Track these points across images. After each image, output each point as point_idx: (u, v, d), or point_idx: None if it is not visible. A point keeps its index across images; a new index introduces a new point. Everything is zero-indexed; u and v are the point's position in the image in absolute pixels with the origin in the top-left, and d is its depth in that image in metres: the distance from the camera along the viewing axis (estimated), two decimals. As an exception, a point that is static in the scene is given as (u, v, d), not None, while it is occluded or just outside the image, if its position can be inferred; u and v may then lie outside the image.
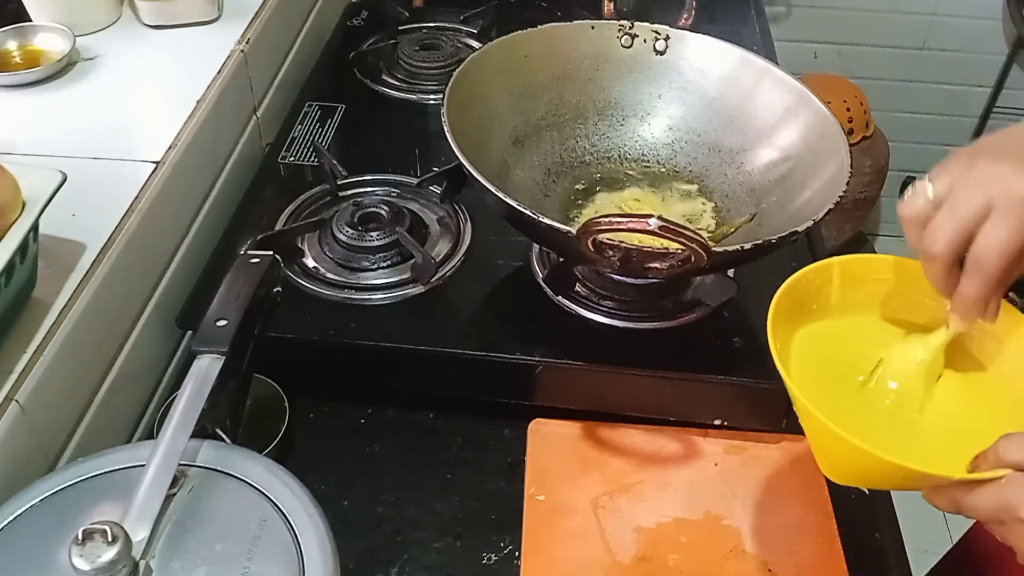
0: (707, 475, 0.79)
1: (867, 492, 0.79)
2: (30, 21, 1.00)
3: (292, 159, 1.03)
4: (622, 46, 0.95)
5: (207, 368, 0.59)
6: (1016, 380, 0.60)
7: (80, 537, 0.49)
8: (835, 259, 0.63)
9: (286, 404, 0.78)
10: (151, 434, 0.81)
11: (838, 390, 0.61)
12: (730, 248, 0.70)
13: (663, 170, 0.95)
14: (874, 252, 2.31)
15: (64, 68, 0.96)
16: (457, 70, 0.86)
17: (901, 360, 0.62)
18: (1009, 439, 0.49)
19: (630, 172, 0.96)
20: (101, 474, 0.57)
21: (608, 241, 0.69)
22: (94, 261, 0.74)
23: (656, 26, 0.94)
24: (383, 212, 0.91)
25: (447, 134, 0.78)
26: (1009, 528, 0.48)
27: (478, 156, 0.79)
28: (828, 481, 0.77)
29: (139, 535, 0.51)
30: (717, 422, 0.82)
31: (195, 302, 0.84)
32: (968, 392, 0.61)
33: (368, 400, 0.85)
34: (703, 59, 0.93)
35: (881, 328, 0.64)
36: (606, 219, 0.67)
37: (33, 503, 0.55)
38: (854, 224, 2.11)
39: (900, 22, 2.08)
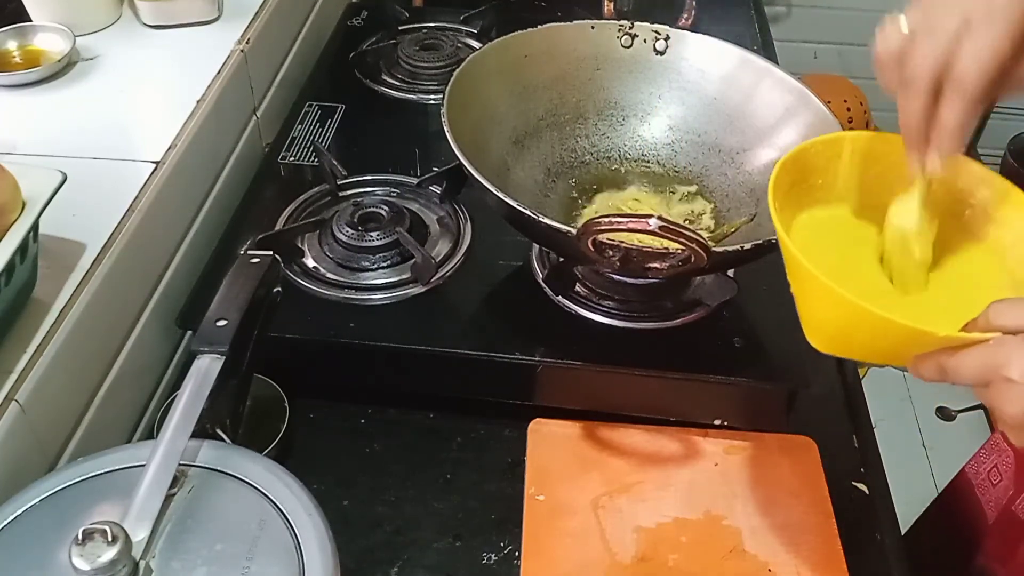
0: (707, 475, 0.79)
1: (867, 492, 0.79)
2: (30, 21, 1.00)
3: (292, 159, 1.03)
4: (622, 46, 0.95)
5: (207, 368, 0.59)
6: (1012, 250, 0.58)
7: (80, 537, 0.49)
8: (847, 133, 0.61)
9: (286, 404, 0.78)
10: (151, 434, 0.81)
11: (837, 272, 0.58)
12: (730, 248, 0.70)
13: (663, 170, 0.95)
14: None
15: (64, 68, 0.96)
16: (457, 70, 0.86)
17: (897, 233, 0.59)
18: (1000, 303, 0.48)
19: (630, 172, 0.96)
20: (101, 474, 0.57)
21: (608, 241, 0.69)
22: (94, 261, 0.74)
23: (656, 26, 0.94)
24: (383, 212, 0.91)
25: (447, 134, 0.78)
26: (994, 389, 0.47)
27: (478, 156, 0.79)
28: (828, 481, 0.78)
29: (139, 535, 0.51)
30: (717, 422, 0.82)
31: (195, 302, 0.84)
32: (968, 270, 0.60)
33: (368, 400, 0.85)
34: (703, 59, 0.93)
35: (884, 209, 0.61)
36: (606, 219, 0.67)
37: (33, 503, 0.55)
38: (854, 224, 2.11)
39: (900, 22, 2.08)
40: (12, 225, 0.63)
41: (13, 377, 0.64)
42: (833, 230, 0.62)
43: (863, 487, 0.79)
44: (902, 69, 0.53)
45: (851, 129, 0.82)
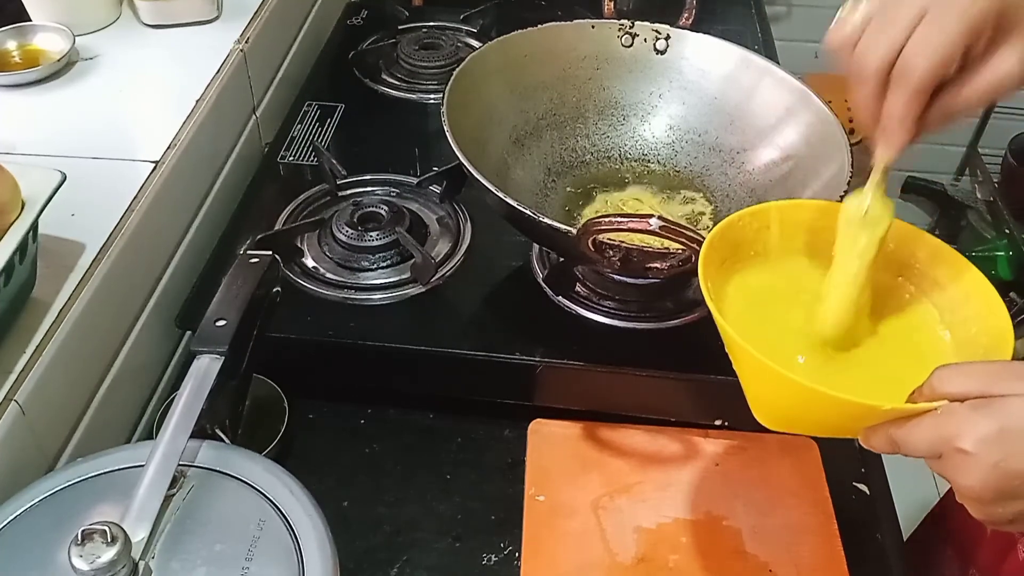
0: (707, 475, 0.79)
1: (868, 492, 0.79)
2: (30, 21, 1.00)
3: (291, 159, 1.03)
4: (622, 45, 0.95)
5: (206, 368, 0.59)
6: (951, 311, 0.58)
7: (79, 537, 0.49)
8: (772, 203, 0.61)
9: (286, 404, 0.78)
10: (151, 434, 0.81)
11: (776, 334, 0.59)
12: (730, 248, 0.70)
13: (663, 170, 0.95)
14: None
15: (64, 68, 0.96)
16: (457, 70, 0.86)
17: (849, 216, 0.59)
18: (944, 369, 0.47)
19: (630, 172, 0.96)
20: (100, 474, 0.57)
21: (608, 241, 0.69)
22: (93, 261, 0.73)
23: (656, 25, 0.94)
24: (383, 212, 0.91)
25: (447, 134, 0.78)
26: (946, 461, 0.45)
27: (478, 156, 0.79)
28: (829, 481, 0.78)
29: (138, 535, 0.51)
30: (718, 422, 0.82)
31: (194, 302, 0.84)
32: (910, 331, 0.59)
33: (368, 400, 0.85)
34: (704, 59, 0.93)
35: (819, 273, 0.61)
36: (606, 219, 0.67)
37: (33, 503, 0.55)
38: (854, 224, 2.11)
39: (900, 22, 2.08)
40: (11, 225, 0.63)
41: (12, 377, 0.64)
42: (767, 294, 0.61)
43: (864, 487, 0.79)
44: (856, 54, 0.52)
45: (851, 129, 0.82)
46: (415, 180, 0.97)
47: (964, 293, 0.58)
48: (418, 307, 0.85)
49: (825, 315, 0.58)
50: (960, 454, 0.44)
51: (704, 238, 0.66)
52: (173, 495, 0.54)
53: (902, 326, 0.60)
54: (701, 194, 0.93)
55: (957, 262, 0.59)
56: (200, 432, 0.57)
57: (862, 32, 0.52)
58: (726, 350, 0.55)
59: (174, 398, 0.58)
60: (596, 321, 0.83)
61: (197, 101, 0.92)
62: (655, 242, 0.71)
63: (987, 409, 0.44)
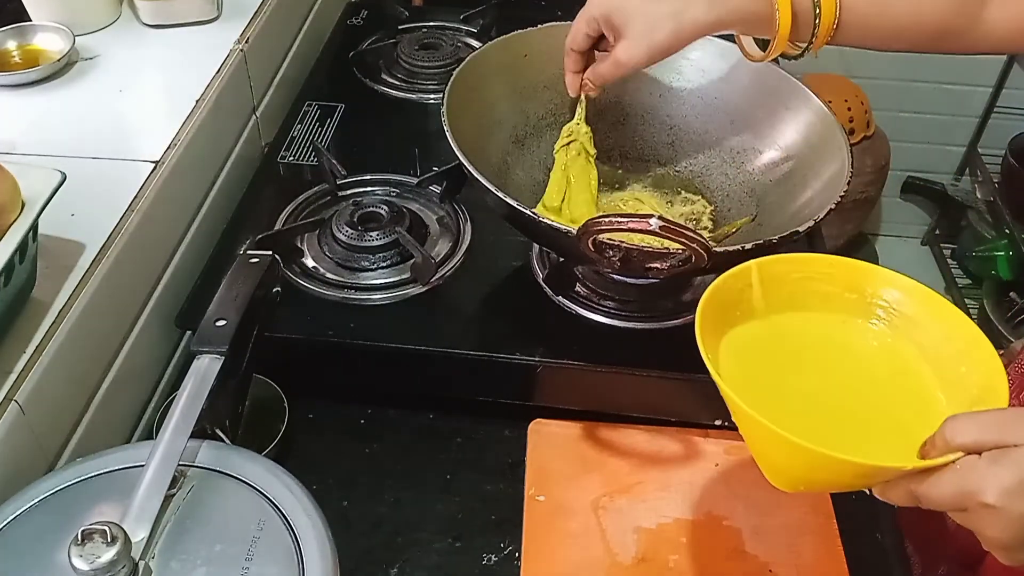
0: (707, 476, 0.79)
1: (868, 492, 0.79)
2: (30, 21, 1.00)
3: (291, 159, 1.03)
4: (622, 46, 0.94)
5: (206, 368, 0.59)
6: (934, 349, 0.59)
7: (80, 537, 0.49)
8: (752, 262, 0.62)
9: (286, 404, 0.78)
10: (151, 434, 0.81)
11: (771, 391, 0.60)
12: (731, 248, 0.70)
13: (663, 170, 0.95)
14: (875, 252, 2.31)
15: (63, 68, 0.96)
16: (457, 70, 0.86)
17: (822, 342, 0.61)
18: (955, 421, 0.48)
19: (630, 172, 0.96)
20: (100, 474, 0.57)
21: (608, 241, 0.69)
22: (93, 261, 0.73)
23: (656, 26, 0.94)
24: (383, 212, 0.91)
25: (447, 134, 0.78)
26: (972, 515, 0.46)
27: (478, 156, 0.79)
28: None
29: (138, 535, 0.51)
30: (718, 422, 0.82)
31: (194, 302, 0.84)
32: (900, 385, 0.60)
33: (368, 400, 0.85)
34: (704, 59, 0.93)
35: (805, 324, 0.63)
36: (606, 219, 0.67)
37: (33, 503, 0.55)
38: (855, 224, 2.11)
39: (900, 22, 2.08)
40: (11, 225, 0.63)
41: (12, 377, 0.64)
42: (758, 343, 0.62)
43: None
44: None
45: (852, 129, 0.82)
46: (415, 180, 0.97)
47: (944, 332, 0.59)
48: (418, 307, 0.85)
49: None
50: (985, 508, 0.45)
51: (704, 238, 0.66)
52: (173, 495, 0.54)
53: (889, 370, 0.61)
54: (701, 194, 0.93)
55: (932, 300, 0.60)
56: (200, 432, 0.57)
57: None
58: (733, 419, 0.55)
59: (174, 398, 0.58)
60: (596, 321, 0.83)
61: (197, 101, 0.92)
62: (655, 242, 0.71)
63: (1006, 460, 0.45)
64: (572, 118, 0.88)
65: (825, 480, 0.57)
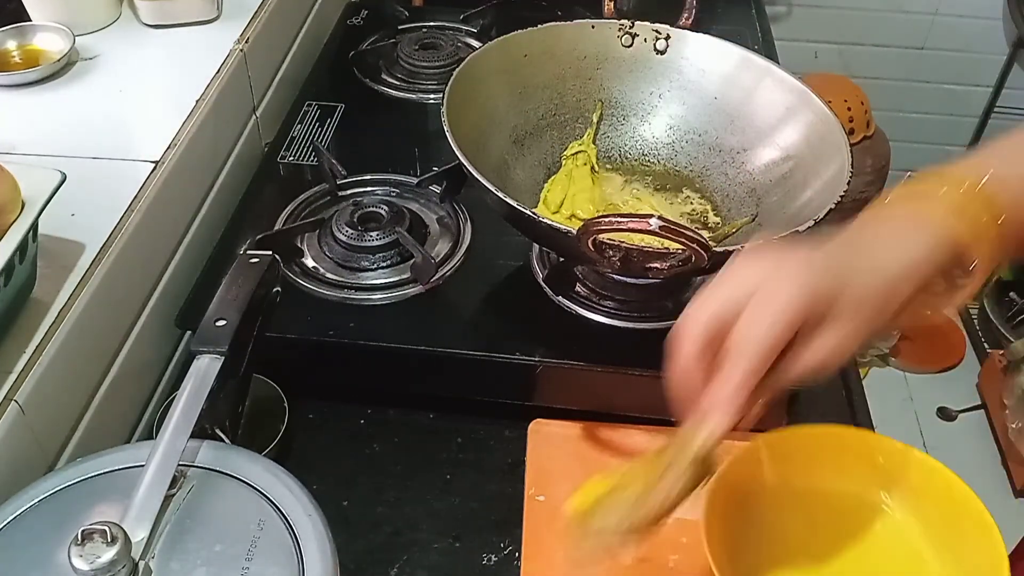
0: (707, 475, 0.78)
1: None
2: (30, 21, 1.00)
3: (291, 159, 1.03)
4: (622, 45, 0.95)
5: (206, 368, 0.59)
6: (954, 544, 0.60)
7: (79, 537, 0.49)
8: (759, 436, 0.63)
9: (286, 404, 0.78)
10: (151, 434, 0.81)
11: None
12: (731, 248, 0.69)
13: (663, 170, 0.95)
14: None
15: (63, 68, 0.96)
16: (457, 70, 0.86)
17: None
18: None
19: (630, 172, 0.96)
20: (101, 474, 0.57)
21: (608, 241, 0.69)
22: (93, 261, 0.73)
23: (657, 25, 0.94)
24: (383, 212, 0.91)
25: (447, 134, 0.78)
26: None
27: (478, 156, 0.79)
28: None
29: (138, 535, 0.51)
30: (717, 422, 0.82)
31: (194, 302, 0.84)
32: (906, 555, 0.62)
33: (368, 400, 0.85)
34: (704, 58, 0.93)
35: (815, 499, 0.64)
36: (606, 219, 0.67)
37: (33, 503, 0.55)
38: (855, 224, 2.11)
39: (901, 22, 2.08)
40: (11, 225, 0.63)
41: (12, 377, 0.64)
42: (766, 522, 0.64)
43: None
44: (678, 324, 0.53)
45: (852, 129, 0.82)
46: (415, 180, 0.97)
47: (954, 511, 0.60)
48: (418, 307, 0.85)
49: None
50: None
51: (704, 238, 0.66)
52: (173, 495, 0.54)
53: (885, 543, 0.62)
54: (701, 194, 0.93)
55: (948, 481, 0.61)
56: (200, 432, 0.57)
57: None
58: None
59: (174, 398, 0.58)
60: (596, 321, 0.83)
61: (197, 101, 0.92)
62: (655, 242, 0.71)
63: None
64: (573, 118, 0.88)
65: None
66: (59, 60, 0.95)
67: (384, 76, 1.18)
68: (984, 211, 0.53)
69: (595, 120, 0.94)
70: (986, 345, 2.11)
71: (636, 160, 0.96)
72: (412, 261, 0.86)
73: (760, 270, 0.51)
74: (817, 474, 0.64)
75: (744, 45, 0.92)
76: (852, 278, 0.51)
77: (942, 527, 0.61)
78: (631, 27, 0.94)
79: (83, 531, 0.49)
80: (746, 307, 0.50)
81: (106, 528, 0.49)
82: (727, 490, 0.61)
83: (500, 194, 0.73)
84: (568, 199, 0.88)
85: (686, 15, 1.23)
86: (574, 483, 0.77)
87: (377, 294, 0.85)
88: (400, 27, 1.28)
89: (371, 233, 0.88)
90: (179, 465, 0.55)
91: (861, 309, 0.51)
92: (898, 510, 0.63)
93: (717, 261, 0.69)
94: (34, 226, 0.65)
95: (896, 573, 0.61)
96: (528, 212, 0.72)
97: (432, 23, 1.29)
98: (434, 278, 0.86)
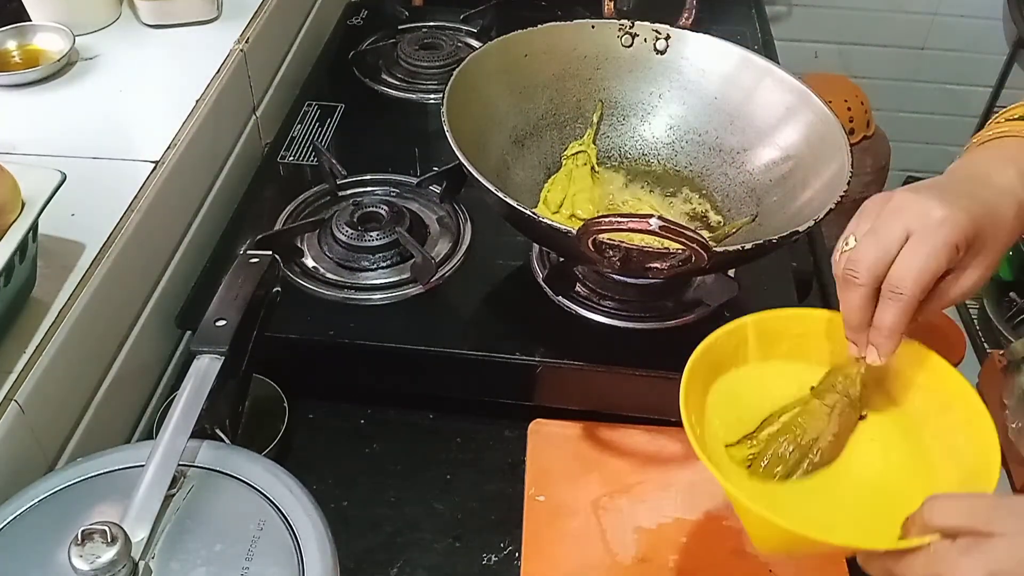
0: (707, 475, 0.78)
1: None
2: (30, 21, 1.00)
3: (291, 159, 1.03)
4: (622, 45, 0.95)
5: (206, 368, 0.59)
6: (931, 418, 0.60)
7: (79, 537, 0.49)
8: (748, 318, 0.63)
9: (286, 404, 0.78)
10: (151, 434, 0.81)
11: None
12: (731, 248, 0.70)
13: (663, 170, 0.95)
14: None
15: (63, 68, 0.96)
16: (457, 70, 0.86)
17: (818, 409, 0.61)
18: (935, 501, 0.48)
19: (630, 172, 0.96)
20: (100, 474, 0.57)
21: (608, 241, 0.69)
22: (93, 261, 0.73)
23: (657, 25, 0.94)
24: (383, 212, 0.91)
25: (447, 134, 0.78)
26: None
27: (478, 156, 0.79)
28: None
29: (138, 535, 0.51)
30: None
31: (194, 302, 0.84)
32: (897, 448, 0.61)
33: (368, 400, 0.85)
34: (704, 58, 0.93)
35: (800, 373, 0.63)
36: (606, 219, 0.67)
37: (33, 503, 0.55)
38: (855, 224, 2.11)
39: (901, 22, 2.08)
40: (11, 225, 0.63)
41: (12, 377, 0.64)
42: (750, 388, 0.63)
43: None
44: (846, 266, 0.57)
45: (852, 129, 0.82)
46: (415, 180, 0.97)
47: (944, 400, 0.60)
48: (418, 307, 0.85)
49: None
50: None
51: (704, 238, 0.66)
52: (173, 495, 0.54)
53: (886, 432, 0.61)
54: (701, 194, 0.93)
55: (940, 368, 0.61)
56: (200, 432, 0.57)
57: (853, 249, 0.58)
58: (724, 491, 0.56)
59: (174, 398, 0.58)
60: (596, 321, 0.83)
61: (197, 101, 0.92)
62: (655, 242, 0.71)
63: (977, 552, 0.45)
64: (573, 118, 0.88)
65: (805, 552, 0.60)
66: (59, 60, 0.95)
67: (384, 76, 1.18)
68: None
69: (595, 120, 0.94)
70: (986, 345, 2.11)
71: (636, 160, 0.96)
72: (412, 261, 0.86)
73: (908, 214, 0.55)
74: (803, 356, 0.64)
75: (744, 45, 0.92)
76: (989, 207, 0.56)
77: (932, 414, 0.60)
78: (631, 27, 0.94)
79: (83, 531, 0.49)
80: (904, 248, 0.55)
81: (106, 528, 0.49)
82: (709, 362, 0.61)
83: (500, 194, 0.73)
84: (568, 199, 0.89)
85: (686, 15, 1.23)
86: (574, 483, 0.77)
87: (377, 294, 0.85)
88: (400, 27, 1.28)
89: (371, 233, 0.88)
90: (179, 465, 0.55)
91: (1000, 235, 0.57)
92: (890, 398, 0.62)
93: (717, 261, 0.70)
94: (34, 226, 0.65)
95: (891, 459, 0.60)
96: (528, 212, 0.72)
97: (432, 23, 1.29)
98: (434, 278, 0.86)
